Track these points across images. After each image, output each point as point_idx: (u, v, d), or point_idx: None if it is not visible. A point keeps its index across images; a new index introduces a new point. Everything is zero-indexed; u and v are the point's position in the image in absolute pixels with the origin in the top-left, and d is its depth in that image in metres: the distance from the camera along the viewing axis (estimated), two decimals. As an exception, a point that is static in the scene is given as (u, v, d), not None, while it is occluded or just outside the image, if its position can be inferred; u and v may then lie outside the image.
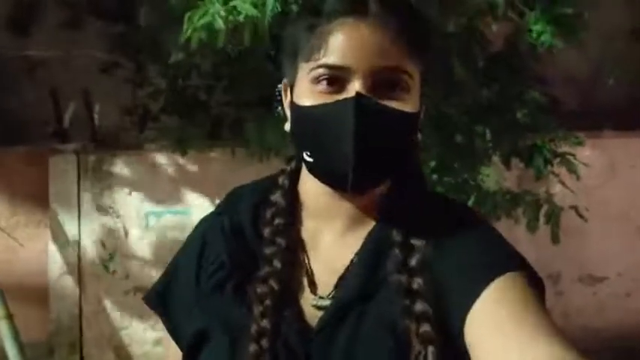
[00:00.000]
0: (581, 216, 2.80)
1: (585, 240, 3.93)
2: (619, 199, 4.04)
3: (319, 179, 0.83)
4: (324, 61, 0.78)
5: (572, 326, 3.93)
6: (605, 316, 4.07)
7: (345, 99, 0.77)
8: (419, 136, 0.85)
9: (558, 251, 3.07)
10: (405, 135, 0.81)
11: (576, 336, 3.87)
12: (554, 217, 2.69)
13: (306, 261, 0.86)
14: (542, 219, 2.72)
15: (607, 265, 4.09)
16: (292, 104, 0.83)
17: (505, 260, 0.78)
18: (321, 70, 0.78)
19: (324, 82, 0.78)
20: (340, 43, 0.77)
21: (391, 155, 0.81)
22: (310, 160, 0.81)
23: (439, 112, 2.63)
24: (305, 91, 0.80)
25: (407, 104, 0.79)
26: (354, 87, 0.77)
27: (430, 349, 0.75)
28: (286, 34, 0.85)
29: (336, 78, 0.78)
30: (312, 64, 0.79)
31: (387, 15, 0.78)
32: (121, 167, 3.87)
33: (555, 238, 2.71)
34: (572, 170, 2.68)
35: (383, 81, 0.78)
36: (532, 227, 2.74)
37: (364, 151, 0.77)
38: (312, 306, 0.83)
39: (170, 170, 3.89)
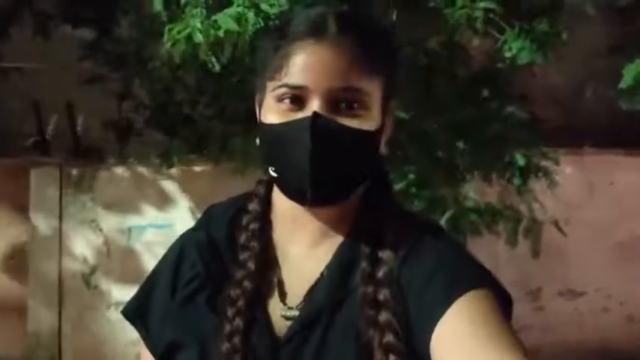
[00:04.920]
0: (560, 230, 2.83)
1: (565, 255, 3.97)
2: (598, 215, 4.10)
3: (283, 193, 0.86)
4: (285, 80, 0.81)
5: (553, 340, 3.96)
6: (585, 331, 4.11)
7: (303, 118, 0.80)
8: (384, 150, 0.88)
9: (539, 267, 3.11)
10: (362, 151, 0.84)
11: (557, 350, 3.88)
12: (534, 231, 2.72)
13: (278, 270, 0.88)
14: (521, 233, 2.75)
15: (587, 281, 4.14)
16: (260, 121, 0.87)
17: (470, 277, 0.80)
18: (283, 90, 0.81)
19: (287, 101, 0.82)
20: (300, 64, 0.81)
21: (349, 171, 0.84)
22: (275, 175, 0.85)
23: (420, 128, 2.66)
24: (270, 108, 0.84)
25: (365, 122, 0.82)
26: (313, 106, 0.80)
27: (392, 358, 0.77)
28: (257, 54, 0.90)
29: (297, 97, 0.81)
30: (275, 83, 0.82)
31: (345, 37, 0.81)
32: (104, 181, 3.85)
33: (535, 253, 2.74)
34: (552, 182, 2.71)
35: (341, 100, 0.81)
36: (512, 242, 2.77)
37: (321, 168, 0.80)
38: (281, 316, 0.85)
39: (154, 184, 3.87)
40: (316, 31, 0.82)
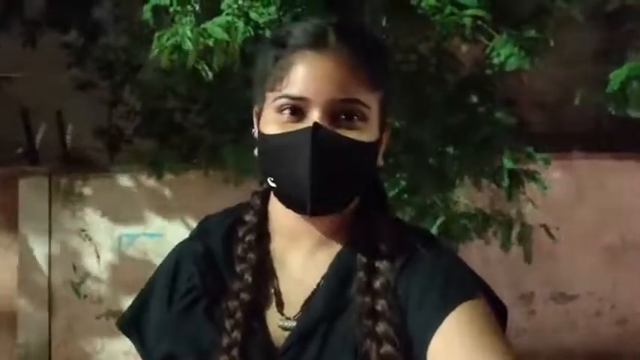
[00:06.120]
0: (550, 235, 2.85)
1: (556, 260, 4.00)
2: (587, 219, 4.13)
3: (282, 203, 0.86)
4: (285, 91, 0.81)
5: (546, 344, 3.97)
6: (577, 334, 4.13)
7: (303, 128, 0.81)
8: (381, 161, 0.88)
9: (530, 271, 3.12)
10: (361, 163, 0.84)
11: (550, 353, 3.88)
12: (525, 235, 2.73)
13: (275, 281, 0.88)
14: (514, 239, 2.76)
15: (578, 284, 4.16)
16: (258, 131, 0.87)
17: (466, 287, 0.81)
18: (283, 100, 0.82)
19: (287, 112, 0.82)
20: (300, 75, 0.81)
21: (348, 182, 0.84)
22: (274, 185, 0.85)
23: (410, 134, 2.67)
24: (270, 119, 0.84)
25: (364, 133, 0.83)
26: (313, 117, 0.81)
27: None
28: (256, 64, 0.89)
29: (297, 108, 0.82)
30: (276, 94, 0.82)
31: (344, 49, 0.82)
32: (93, 189, 3.83)
33: (528, 257, 2.75)
34: (542, 187, 2.73)
35: (341, 111, 0.82)
36: (506, 247, 2.78)
37: (320, 178, 0.80)
38: (278, 326, 0.85)
39: (144, 192, 3.86)
40: (317, 43, 0.82)
